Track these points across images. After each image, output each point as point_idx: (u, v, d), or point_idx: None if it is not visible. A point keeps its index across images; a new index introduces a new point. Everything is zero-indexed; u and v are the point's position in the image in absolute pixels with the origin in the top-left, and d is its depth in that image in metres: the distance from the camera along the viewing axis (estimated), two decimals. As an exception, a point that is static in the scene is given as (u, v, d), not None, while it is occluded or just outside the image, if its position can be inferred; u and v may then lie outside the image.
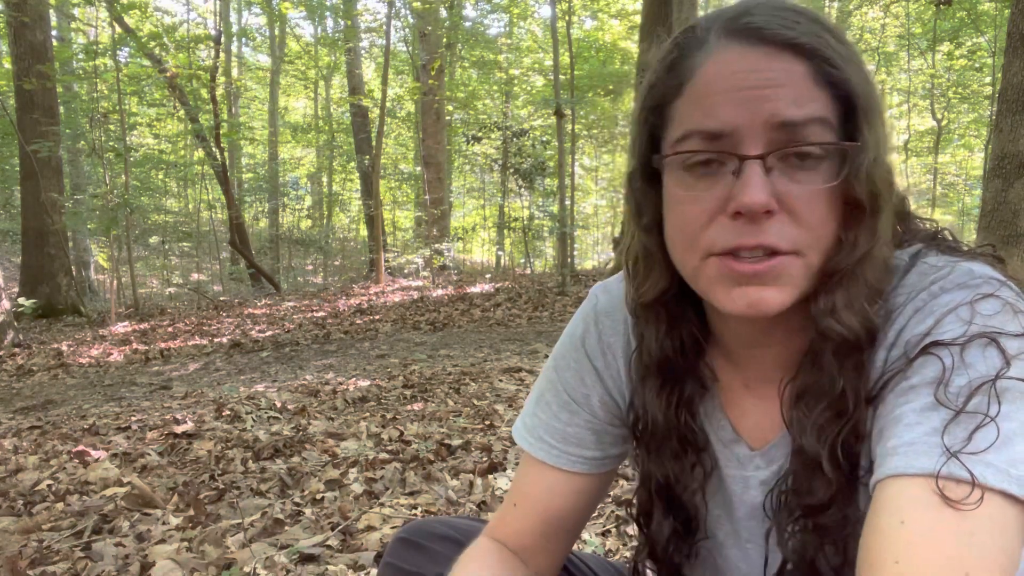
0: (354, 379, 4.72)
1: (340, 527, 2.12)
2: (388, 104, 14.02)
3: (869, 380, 0.64)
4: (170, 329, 8.60)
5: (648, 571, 0.82)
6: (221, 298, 12.09)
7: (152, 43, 11.16)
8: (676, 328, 0.73)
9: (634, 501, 0.82)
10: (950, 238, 0.69)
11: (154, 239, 17.04)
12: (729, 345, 0.74)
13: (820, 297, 0.63)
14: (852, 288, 0.62)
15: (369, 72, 19.65)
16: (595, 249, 22.19)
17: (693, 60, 0.63)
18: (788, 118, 0.59)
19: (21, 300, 9.41)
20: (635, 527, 0.83)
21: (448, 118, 15.50)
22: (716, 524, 0.78)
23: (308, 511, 2.28)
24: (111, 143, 11.61)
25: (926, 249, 0.66)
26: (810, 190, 0.60)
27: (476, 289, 10.58)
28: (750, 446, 0.74)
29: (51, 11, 11.65)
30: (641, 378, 0.77)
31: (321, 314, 9.11)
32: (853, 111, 0.61)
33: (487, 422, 3.31)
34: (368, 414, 3.59)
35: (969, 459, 0.52)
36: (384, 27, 13.46)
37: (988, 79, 12.85)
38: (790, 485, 0.68)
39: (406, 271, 14.16)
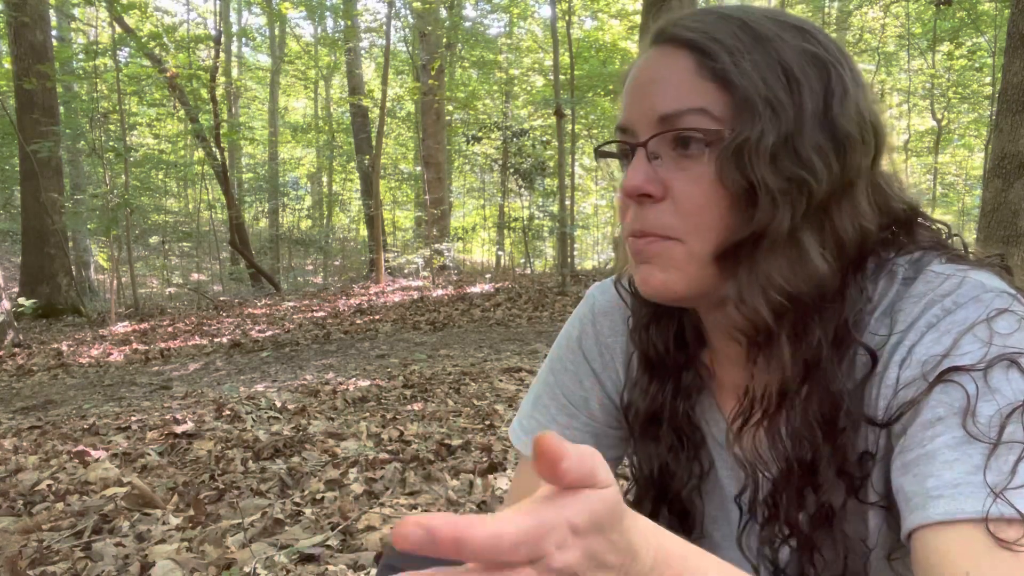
0: (354, 379, 4.72)
1: (340, 527, 2.12)
2: (388, 104, 14.01)
3: (879, 396, 0.62)
4: (170, 329, 8.60)
5: None
6: (221, 298, 12.08)
7: (152, 43, 11.16)
8: (666, 320, 0.75)
9: (629, 498, 0.81)
10: (954, 245, 0.67)
11: (154, 239, 17.04)
12: (712, 341, 0.74)
13: (722, 285, 0.64)
14: (747, 275, 0.62)
15: (369, 72, 19.64)
16: (595, 249, 22.17)
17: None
18: (664, 111, 0.63)
19: (21, 300, 9.40)
20: None
21: (448, 118, 15.49)
22: (712, 525, 0.78)
23: (308, 511, 2.28)
24: (111, 143, 11.61)
25: (929, 255, 0.65)
26: (691, 175, 0.63)
27: (476, 289, 10.58)
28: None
29: (51, 11, 11.65)
30: (637, 368, 0.78)
31: (321, 314, 9.11)
32: (738, 100, 0.62)
33: (487, 422, 3.31)
34: (368, 414, 3.59)
35: (1016, 495, 0.51)
36: (384, 27, 13.46)
37: (988, 79, 12.85)
38: (774, 495, 0.67)
39: (406, 271, 14.15)
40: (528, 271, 14.40)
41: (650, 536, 0.43)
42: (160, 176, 16.60)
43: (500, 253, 16.56)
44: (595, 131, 18.59)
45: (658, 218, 0.64)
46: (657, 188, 0.63)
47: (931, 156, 16.28)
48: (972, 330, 0.57)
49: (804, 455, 0.63)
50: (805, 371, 0.63)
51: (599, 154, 0.73)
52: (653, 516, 0.77)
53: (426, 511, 2.25)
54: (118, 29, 11.18)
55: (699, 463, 0.75)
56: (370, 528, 2.12)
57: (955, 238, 0.69)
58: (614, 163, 0.74)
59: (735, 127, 0.61)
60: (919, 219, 0.69)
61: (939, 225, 0.70)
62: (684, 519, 0.77)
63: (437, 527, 0.32)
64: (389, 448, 2.93)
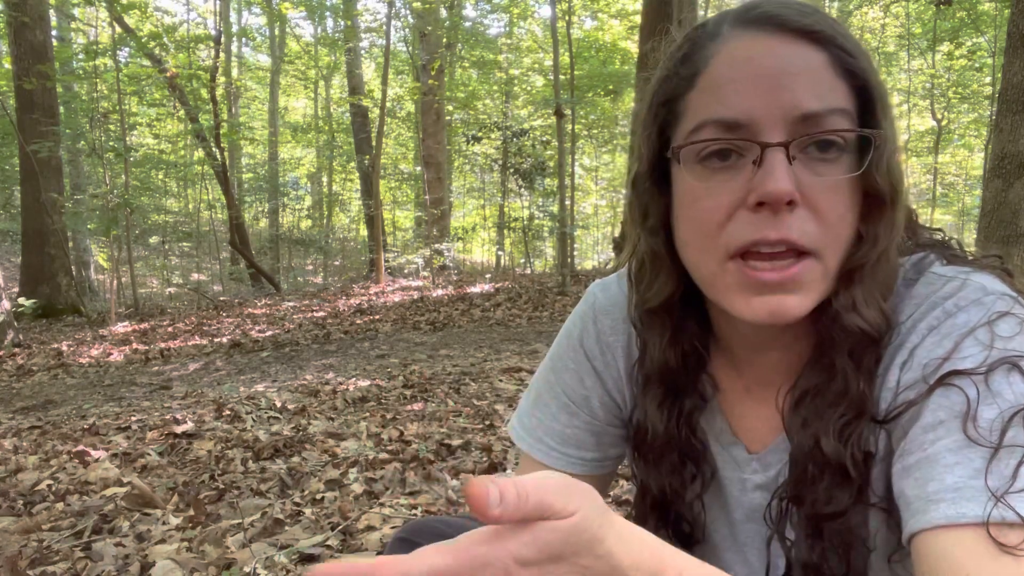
0: (354, 379, 4.72)
1: (340, 527, 2.12)
2: (388, 104, 14.01)
3: (880, 398, 0.63)
4: (170, 329, 8.60)
5: None
6: (221, 298, 12.08)
7: (152, 43, 11.16)
8: (680, 336, 0.72)
9: (632, 512, 0.81)
10: (955, 246, 0.68)
11: (154, 239, 17.04)
12: (733, 348, 0.73)
13: (840, 293, 0.61)
14: (870, 283, 0.61)
15: (369, 72, 19.64)
16: (595, 249, 22.17)
17: (706, 51, 0.62)
18: (810, 110, 0.58)
19: (21, 300, 9.41)
20: None
21: (448, 118, 15.49)
22: (713, 527, 0.77)
23: (308, 511, 2.28)
24: (111, 143, 11.62)
25: (931, 257, 0.65)
26: (832, 183, 0.59)
27: (476, 289, 10.57)
28: (747, 449, 0.73)
29: (51, 11, 11.65)
30: (643, 388, 0.75)
31: (321, 314, 9.11)
32: (870, 102, 0.60)
33: (487, 422, 3.31)
34: (368, 414, 3.59)
35: (1017, 499, 0.50)
36: (384, 27, 13.47)
37: (988, 79, 12.85)
38: (793, 492, 0.67)
39: (406, 271, 14.15)
40: (528, 271, 14.40)
41: (645, 556, 0.43)
42: (160, 176, 16.60)
43: (500, 253, 16.56)
44: (595, 131, 18.60)
45: (803, 227, 0.58)
46: (797, 193, 0.57)
47: (931, 156, 16.28)
48: (973, 333, 0.57)
49: (827, 450, 0.63)
50: (858, 368, 0.63)
51: (680, 148, 0.62)
52: (655, 529, 0.77)
53: (427, 512, 2.25)
54: (118, 29, 11.18)
55: (702, 476, 0.75)
56: (370, 528, 2.12)
57: (951, 240, 0.69)
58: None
59: (873, 131, 0.60)
60: (915, 219, 0.70)
61: (933, 230, 0.71)
62: (687, 536, 0.77)
63: (346, 572, 0.35)
64: (389, 448, 2.93)
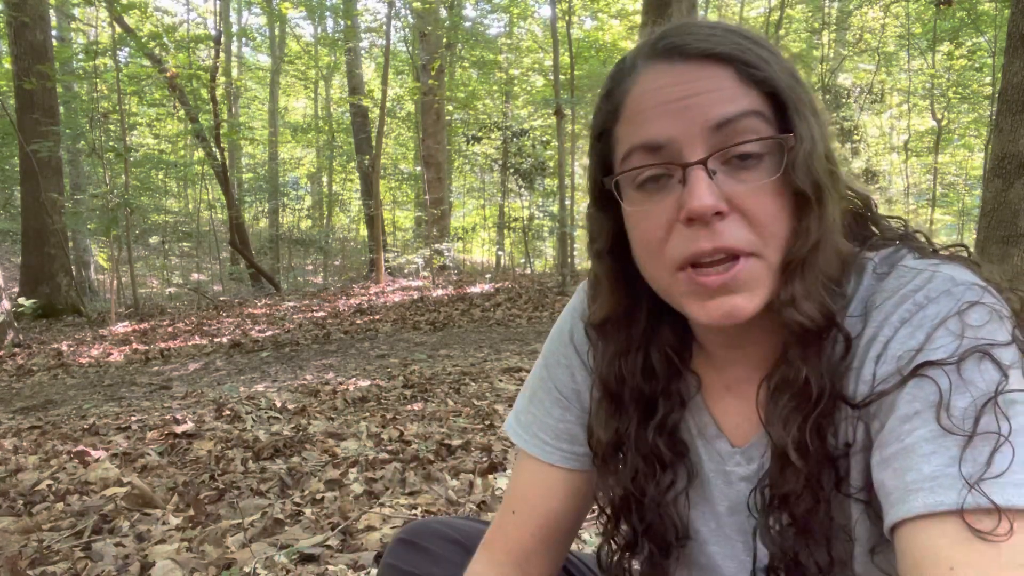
0: (354, 379, 4.72)
1: (340, 527, 2.12)
2: (388, 104, 14.01)
3: (857, 392, 0.64)
4: (170, 329, 8.60)
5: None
6: (221, 298, 12.08)
7: (152, 43, 11.15)
8: (634, 351, 0.74)
9: (618, 529, 0.81)
10: (922, 238, 0.70)
11: (154, 239, 17.04)
12: (709, 348, 0.75)
13: (781, 290, 0.63)
14: (808, 277, 0.63)
15: (369, 72, 19.63)
16: (595, 249, 22.13)
17: (624, 85, 0.67)
18: (723, 116, 0.61)
19: (21, 300, 9.40)
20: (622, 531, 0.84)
21: (448, 118, 15.48)
22: (700, 521, 0.79)
23: (308, 511, 2.28)
24: (111, 143, 11.61)
25: (903, 251, 0.67)
26: (756, 187, 0.61)
27: (476, 289, 10.57)
28: (731, 442, 0.75)
29: (51, 11, 11.65)
30: (598, 400, 0.78)
31: (321, 314, 9.11)
32: (783, 106, 0.63)
33: (487, 422, 3.31)
34: (368, 414, 3.59)
35: (991, 485, 0.51)
36: (384, 27, 13.46)
37: (988, 79, 12.84)
38: (773, 482, 0.69)
39: (406, 271, 14.15)
40: (528, 271, 14.39)
41: None
42: (160, 176, 16.60)
43: (500, 253, 16.56)
44: (595, 131, 18.55)
45: (734, 233, 0.61)
46: (723, 204, 0.60)
47: (931, 156, 16.26)
48: (944, 324, 0.58)
49: (796, 444, 0.65)
50: (818, 356, 0.65)
51: (615, 179, 0.67)
52: (642, 546, 0.78)
53: (427, 512, 2.25)
54: (118, 29, 11.17)
55: (687, 471, 0.76)
56: (370, 528, 2.12)
57: (917, 233, 0.71)
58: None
59: (790, 132, 0.62)
60: (874, 209, 0.72)
61: (892, 219, 0.72)
62: (669, 544, 0.78)
63: None
64: (389, 448, 2.93)
